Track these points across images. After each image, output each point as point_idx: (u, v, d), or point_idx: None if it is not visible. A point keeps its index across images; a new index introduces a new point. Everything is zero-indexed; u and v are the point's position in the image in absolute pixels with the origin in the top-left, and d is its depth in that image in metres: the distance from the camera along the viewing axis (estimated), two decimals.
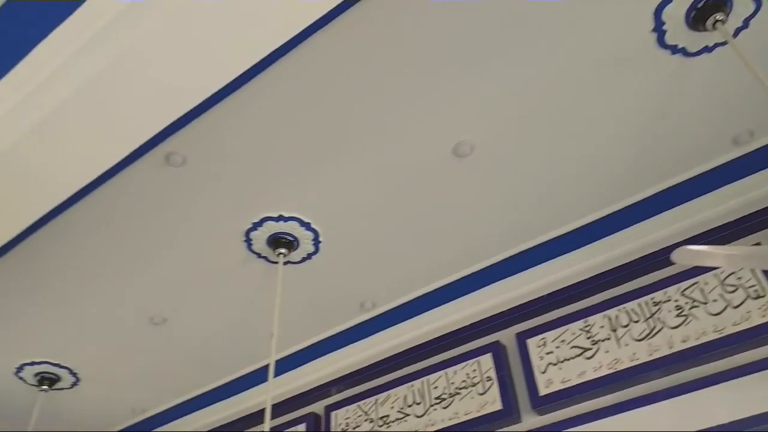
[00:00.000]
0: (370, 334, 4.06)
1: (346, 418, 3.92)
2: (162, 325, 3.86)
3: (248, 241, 3.36)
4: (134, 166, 2.86)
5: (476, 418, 3.35)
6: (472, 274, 3.65)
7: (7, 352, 4.00)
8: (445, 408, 3.52)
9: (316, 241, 3.40)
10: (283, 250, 3.37)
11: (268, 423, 2.80)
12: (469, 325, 3.75)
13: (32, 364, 4.12)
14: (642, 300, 3.13)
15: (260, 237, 3.34)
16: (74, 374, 4.25)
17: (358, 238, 3.40)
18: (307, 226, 3.31)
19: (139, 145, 2.34)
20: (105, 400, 4.56)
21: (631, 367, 2.97)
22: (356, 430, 3.80)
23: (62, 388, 4.34)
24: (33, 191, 2.43)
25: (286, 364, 4.19)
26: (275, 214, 3.23)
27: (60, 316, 3.74)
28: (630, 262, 3.31)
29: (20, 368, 4.15)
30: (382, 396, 3.85)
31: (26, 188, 2.40)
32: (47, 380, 4.20)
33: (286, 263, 3.45)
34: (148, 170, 2.90)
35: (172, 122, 2.29)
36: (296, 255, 3.46)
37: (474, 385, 3.49)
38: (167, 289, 3.62)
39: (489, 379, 3.45)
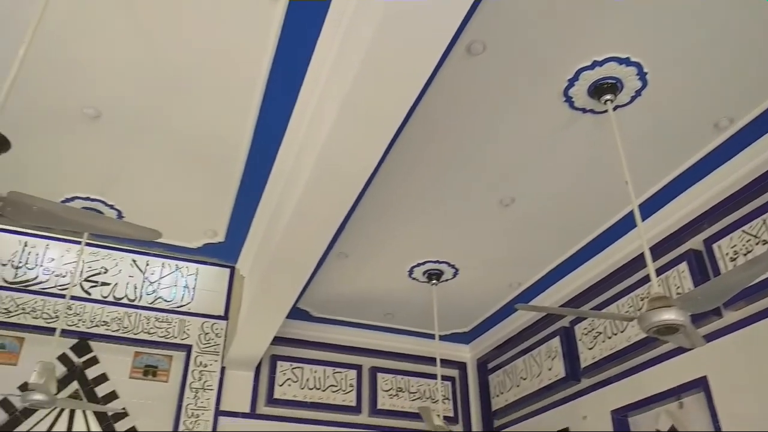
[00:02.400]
0: (734, 154, 3.60)
1: (732, 247, 3.61)
2: (512, 205, 4.09)
3: (569, 100, 3.27)
4: (443, 69, 3.00)
5: None
6: None
7: (399, 259, 4.78)
8: None
9: (642, 74, 3.11)
10: (608, 96, 3.18)
11: (651, 266, 2.76)
12: None
13: (418, 265, 4.86)
14: None
15: (580, 92, 3.21)
16: (452, 266, 4.86)
17: (690, 53, 2.99)
18: (626, 62, 3.05)
19: (444, 46, 2.42)
20: (484, 282, 5.11)
21: None
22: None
23: (447, 280, 5.02)
24: (377, 120, 2.75)
25: (648, 207, 4.02)
26: (588, 62, 3.06)
27: (429, 219, 4.27)
28: None
29: (411, 270, 4.94)
30: None
31: (371, 120, 2.74)
32: (434, 276, 4.91)
33: (615, 108, 3.26)
34: (455, 67, 3.02)
35: (465, 13, 2.31)
36: (624, 96, 3.23)
37: None
38: (507, 171, 3.80)
39: None
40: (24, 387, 4.67)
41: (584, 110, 3.33)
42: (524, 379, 5.35)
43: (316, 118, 3.13)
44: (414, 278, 5.02)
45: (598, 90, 3.17)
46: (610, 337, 4.41)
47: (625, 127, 3.32)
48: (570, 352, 4.82)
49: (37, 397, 3.69)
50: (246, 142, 3.68)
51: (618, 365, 4.33)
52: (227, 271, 5.58)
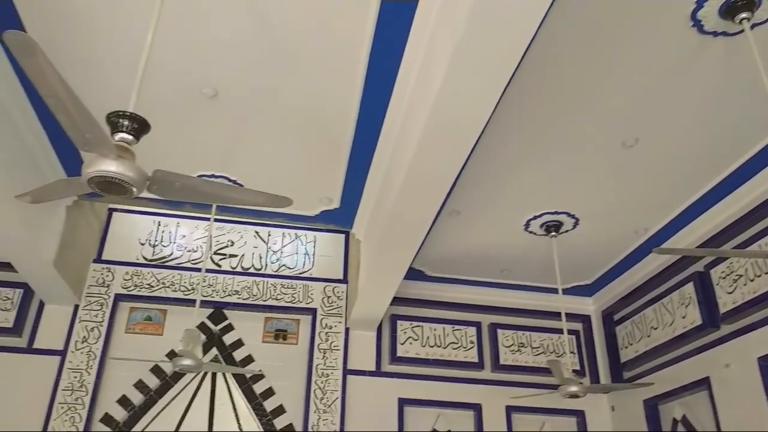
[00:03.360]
0: None
1: None
2: (635, 146, 3.84)
3: (697, 24, 2.98)
4: (556, 6, 2.80)
5: None
6: None
7: (514, 212, 4.68)
8: None
9: None
10: (743, 15, 2.87)
11: None
12: None
13: (535, 218, 4.72)
14: None
15: (710, 13, 2.92)
16: (572, 216, 4.67)
17: None
18: None
19: None
20: (607, 231, 4.88)
21: None
22: None
23: (566, 231, 4.85)
24: (490, 66, 2.65)
25: None
26: None
27: (545, 168, 4.12)
28: None
29: (527, 224, 4.81)
30: None
31: (485, 66, 2.64)
32: (553, 228, 4.75)
33: (752, 27, 2.93)
34: (569, 1, 2.84)
35: None
36: (762, 12, 2.90)
37: None
38: (629, 109, 3.56)
39: None
40: (171, 354, 5.12)
41: (715, 33, 3.03)
42: (655, 328, 5.11)
43: (425, 72, 3.07)
44: (531, 232, 4.89)
45: (731, 9, 2.87)
46: (752, 280, 4.09)
47: (765, 48, 2.99)
48: (706, 298, 4.52)
49: (186, 362, 4.00)
50: (354, 106, 3.70)
51: (764, 309, 4.01)
52: (342, 236, 5.75)
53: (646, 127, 3.70)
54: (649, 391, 5.01)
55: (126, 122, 2.13)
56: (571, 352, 5.88)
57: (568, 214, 4.64)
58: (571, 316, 5.88)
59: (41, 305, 5.19)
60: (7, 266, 4.85)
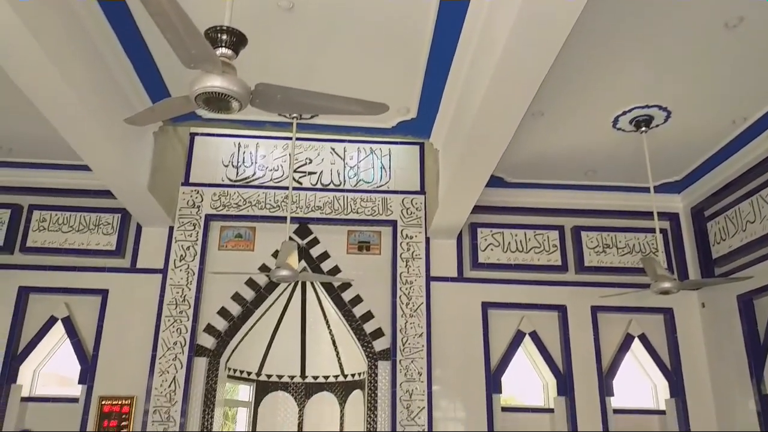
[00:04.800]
0: None
1: None
2: (740, 26, 3.52)
3: None
4: None
5: None
6: None
7: (602, 109, 4.46)
8: None
9: None
10: None
11: None
12: None
13: (624, 113, 4.48)
14: None
15: None
16: (664, 109, 4.40)
17: None
18: None
19: None
20: (702, 122, 4.60)
21: None
22: None
23: (658, 125, 4.59)
24: None
25: None
26: None
27: (636, 57, 3.87)
28: None
29: (615, 121, 4.59)
30: None
31: None
32: (643, 122, 4.50)
33: None
34: None
35: None
36: None
37: None
38: None
39: None
40: (263, 268, 5.38)
41: None
42: (752, 222, 4.90)
43: None
44: (619, 128, 4.67)
45: None
46: None
47: None
48: None
49: (284, 272, 4.19)
50: (432, 12, 3.54)
51: None
52: (417, 148, 5.74)
53: (751, 4, 3.38)
54: (744, 286, 4.88)
55: (225, 37, 2.13)
56: (658, 251, 5.77)
57: (660, 107, 4.38)
58: (658, 215, 5.72)
59: (139, 228, 5.51)
60: (105, 193, 5.15)
